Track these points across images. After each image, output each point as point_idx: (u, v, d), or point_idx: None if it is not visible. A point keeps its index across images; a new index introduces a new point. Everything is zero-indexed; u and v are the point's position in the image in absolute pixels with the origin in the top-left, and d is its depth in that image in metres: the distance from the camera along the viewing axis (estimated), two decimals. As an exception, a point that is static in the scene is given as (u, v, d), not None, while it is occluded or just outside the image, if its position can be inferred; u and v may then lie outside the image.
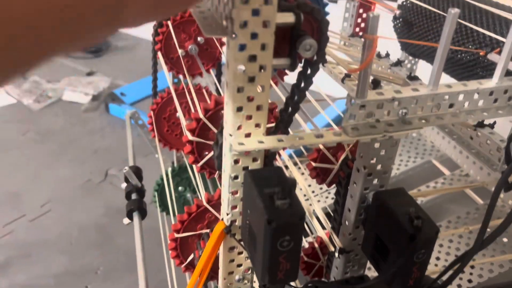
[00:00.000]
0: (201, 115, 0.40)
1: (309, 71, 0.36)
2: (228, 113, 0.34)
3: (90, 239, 0.93)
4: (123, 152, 0.67)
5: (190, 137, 0.41)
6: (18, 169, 1.11)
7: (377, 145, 0.39)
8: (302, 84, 0.36)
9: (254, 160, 0.36)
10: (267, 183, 0.32)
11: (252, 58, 0.31)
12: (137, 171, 0.62)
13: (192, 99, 0.54)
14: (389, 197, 0.39)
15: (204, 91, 0.66)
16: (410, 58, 0.87)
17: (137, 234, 0.52)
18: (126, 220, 0.56)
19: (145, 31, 0.50)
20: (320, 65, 0.51)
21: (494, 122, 0.49)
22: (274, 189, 0.31)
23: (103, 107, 1.49)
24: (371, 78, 0.42)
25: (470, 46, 0.57)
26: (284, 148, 0.38)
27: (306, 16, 0.32)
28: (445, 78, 0.65)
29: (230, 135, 0.35)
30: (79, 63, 1.74)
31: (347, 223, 0.45)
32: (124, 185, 0.59)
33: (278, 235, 0.30)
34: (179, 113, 0.53)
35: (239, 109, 0.33)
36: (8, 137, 1.25)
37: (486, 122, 0.50)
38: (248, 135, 0.35)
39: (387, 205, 0.38)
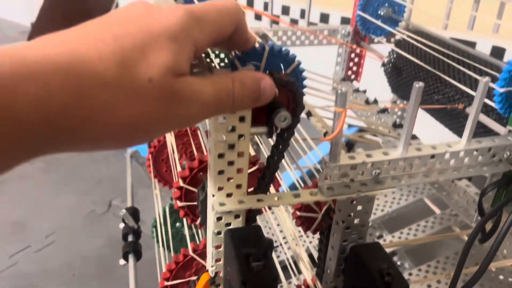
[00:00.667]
0: (181, 183, 0.43)
1: (285, 135, 0.38)
2: (210, 175, 0.37)
3: (93, 270, 0.95)
4: (126, 182, 0.69)
5: (176, 195, 0.44)
6: (24, 198, 1.14)
7: (352, 201, 0.41)
8: (280, 146, 0.39)
9: (236, 217, 0.39)
10: (244, 242, 0.35)
11: (232, 128, 0.34)
12: (135, 213, 0.65)
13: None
14: (365, 251, 0.41)
15: (198, 132, 0.69)
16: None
17: (131, 276, 0.54)
18: (122, 261, 0.58)
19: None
20: (306, 117, 0.54)
21: (470, 178, 0.51)
22: (250, 249, 0.33)
23: (108, 136, 1.53)
24: (346, 141, 0.45)
25: (453, 96, 0.60)
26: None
27: (282, 88, 0.35)
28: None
29: (213, 195, 0.37)
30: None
31: (329, 271, 0.47)
32: (122, 225, 0.61)
33: (252, 295, 0.32)
34: (176, 159, 0.56)
35: (221, 172, 0.36)
36: (16, 166, 1.29)
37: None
38: (229, 195, 0.38)
39: (362, 260, 0.40)
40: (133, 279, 0.53)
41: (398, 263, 0.82)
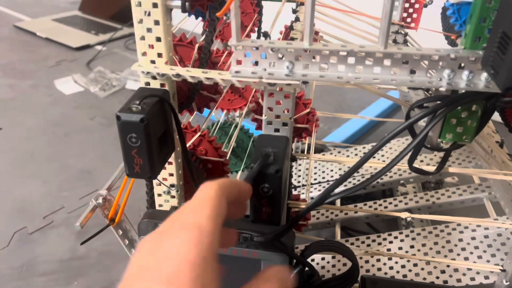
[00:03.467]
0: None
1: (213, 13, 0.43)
2: (137, 42, 0.43)
3: None
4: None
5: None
6: (89, 149, 1.24)
7: (273, 95, 0.44)
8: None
9: (162, 85, 0.45)
10: (144, 95, 0.41)
11: (145, -4, 0.40)
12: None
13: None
14: (267, 140, 0.43)
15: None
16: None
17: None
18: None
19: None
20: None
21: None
22: (140, 98, 0.40)
23: (163, 95, 1.63)
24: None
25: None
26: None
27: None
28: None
29: (139, 60, 0.44)
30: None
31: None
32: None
33: (124, 130, 0.39)
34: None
35: (142, 38, 0.43)
36: (79, 121, 1.39)
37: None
38: (153, 62, 0.44)
39: (259, 144, 0.42)
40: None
41: (409, 220, 0.76)
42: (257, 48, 0.40)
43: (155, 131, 0.40)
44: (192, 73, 0.43)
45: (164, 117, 0.43)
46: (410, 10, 0.77)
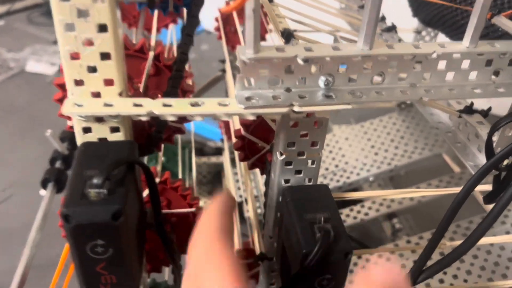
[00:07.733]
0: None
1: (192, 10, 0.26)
2: (63, 62, 0.25)
3: (58, 229, 0.80)
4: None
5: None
6: None
7: (295, 124, 0.29)
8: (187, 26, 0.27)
9: (114, 130, 0.27)
10: (98, 161, 0.24)
11: (78, -19, 0.22)
12: (73, 138, 0.55)
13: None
14: (301, 195, 0.29)
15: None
16: (429, 30, 0.74)
17: (41, 209, 0.45)
18: (42, 192, 0.49)
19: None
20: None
21: (489, 109, 0.37)
22: (102, 172, 0.22)
23: (71, 78, 1.40)
24: (284, 28, 0.32)
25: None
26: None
27: None
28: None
29: (72, 93, 0.26)
30: (43, 31, 1.54)
31: (268, 222, 0.36)
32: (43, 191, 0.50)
33: (82, 237, 0.22)
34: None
35: (75, 56, 0.25)
36: (-37, 115, 1.13)
37: (478, 106, 0.38)
38: (97, 95, 0.26)
39: (293, 206, 0.28)
40: (42, 213, 0.44)
41: (397, 226, 0.70)
42: (287, 66, 0.25)
43: (132, 223, 0.24)
44: (176, 110, 0.26)
45: (135, 188, 0.26)
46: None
